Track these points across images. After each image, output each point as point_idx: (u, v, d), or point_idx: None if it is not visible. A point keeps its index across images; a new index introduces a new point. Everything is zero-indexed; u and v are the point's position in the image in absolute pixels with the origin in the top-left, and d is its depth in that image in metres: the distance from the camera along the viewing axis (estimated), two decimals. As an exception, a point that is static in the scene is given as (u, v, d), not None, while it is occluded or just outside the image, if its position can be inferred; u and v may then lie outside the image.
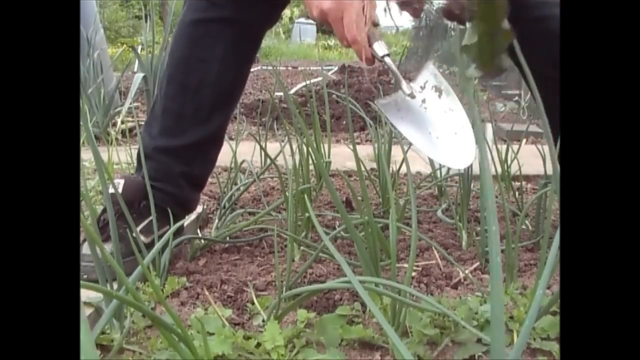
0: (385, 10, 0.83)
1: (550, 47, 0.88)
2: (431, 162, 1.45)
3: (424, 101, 0.87)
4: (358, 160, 1.07)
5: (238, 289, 0.96)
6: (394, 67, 0.86)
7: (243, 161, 1.50)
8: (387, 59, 0.85)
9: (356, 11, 0.82)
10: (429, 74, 0.88)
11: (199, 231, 1.28)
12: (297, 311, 0.84)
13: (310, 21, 17.32)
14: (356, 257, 0.99)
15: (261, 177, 1.62)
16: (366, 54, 0.84)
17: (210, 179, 1.43)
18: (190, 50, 1.10)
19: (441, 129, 0.85)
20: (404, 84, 0.87)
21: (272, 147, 1.69)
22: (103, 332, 0.78)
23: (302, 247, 1.12)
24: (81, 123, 0.81)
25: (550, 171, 1.18)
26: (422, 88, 0.88)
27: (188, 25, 1.11)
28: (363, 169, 1.28)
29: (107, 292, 0.60)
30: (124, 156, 1.72)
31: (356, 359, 0.76)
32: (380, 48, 0.85)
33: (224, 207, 1.29)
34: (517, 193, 1.35)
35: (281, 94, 3.02)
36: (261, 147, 1.47)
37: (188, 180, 1.13)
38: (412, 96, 0.87)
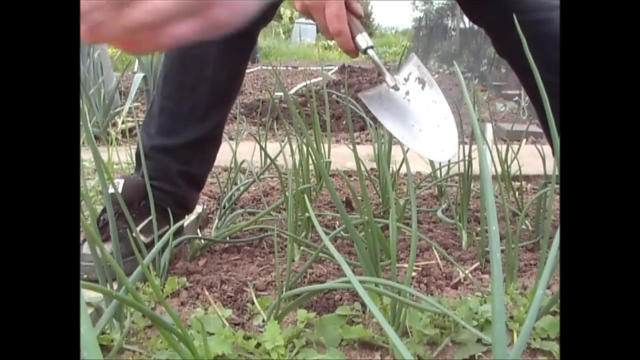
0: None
1: (546, 50, 0.88)
2: (431, 162, 1.45)
3: (407, 93, 0.85)
4: (358, 160, 1.07)
5: (238, 289, 0.96)
6: (377, 60, 0.85)
7: (243, 161, 1.50)
8: (370, 51, 0.84)
9: (338, 3, 0.82)
10: (413, 66, 0.87)
11: (199, 231, 1.28)
12: (297, 311, 0.84)
13: (310, 21, 17.29)
14: (356, 257, 0.99)
15: (261, 177, 1.62)
16: (349, 46, 0.84)
17: (210, 179, 1.43)
18: (185, 49, 1.10)
19: (424, 121, 0.83)
20: (387, 76, 0.86)
21: (272, 147, 1.69)
22: (103, 332, 0.78)
23: (302, 247, 1.12)
24: (81, 123, 0.81)
25: (550, 171, 1.18)
26: (406, 80, 0.86)
27: None
28: (363, 169, 1.28)
29: (107, 292, 0.60)
30: (124, 156, 1.72)
31: (356, 359, 0.76)
32: (363, 40, 0.84)
33: (224, 207, 1.29)
34: (517, 193, 1.35)
35: (281, 94, 3.02)
36: (261, 147, 1.47)
37: (186, 179, 1.13)
38: (395, 88, 0.86)
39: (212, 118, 1.13)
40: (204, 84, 1.10)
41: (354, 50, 0.85)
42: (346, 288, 0.89)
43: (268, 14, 1.16)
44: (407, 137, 0.82)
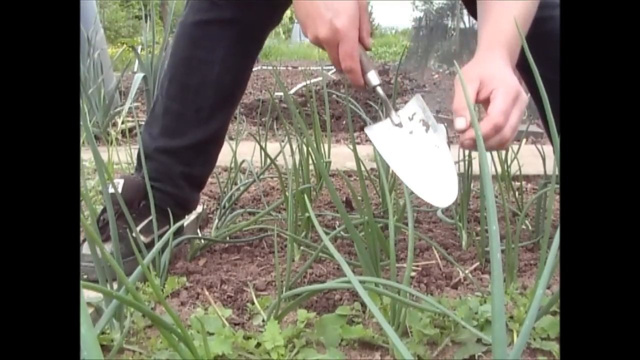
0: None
1: (548, 48, 0.88)
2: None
3: (411, 132, 0.88)
4: (358, 160, 1.07)
5: (238, 289, 0.96)
6: (384, 97, 0.88)
7: (243, 161, 1.50)
8: (379, 89, 0.87)
9: (352, 42, 0.83)
10: (418, 107, 0.89)
11: (199, 231, 1.28)
12: (297, 311, 0.84)
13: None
14: (356, 257, 0.99)
15: (261, 177, 1.62)
16: (359, 83, 0.87)
17: (210, 179, 1.43)
18: (192, 51, 1.10)
19: (426, 163, 0.85)
20: (393, 113, 0.89)
21: (272, 147, 1.69)
22: (103, 332, 0.78)
23: (302, 247, 1.12)
24: (81, 123, 0.81)
25: (550, 171, 1.18)
26: (410, 119, 0.89)
27: (190, 26, 1.11)
28: (363, 169, 1.28)
29: (107, 292, 0.60)
30: (124, 156, 1.72)
31: (356, 359, 0.76)
32: (373, 78, 0.87)
33: (224, 207, 1.29)
34: (517, 193, 1.35)
35: (281, 94, 3.03)
36: (261, 147, 1.47)
37: (188, 180, 1.13)
38: (400, 125, 0.88)
39: (216, 120, 1.13)
40: (210, 87, 1.09)
41: (363, 86, 0.88)
42: (346, 288, 0.89)
43: (276, 17, 1.16)
44: (410, 178, 0.84)
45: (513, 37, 0.85)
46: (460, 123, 0.78)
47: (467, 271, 1.02)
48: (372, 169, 1.65)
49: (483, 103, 0.81)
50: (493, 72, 0.80)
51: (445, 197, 0.82)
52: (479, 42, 0.87)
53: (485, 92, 0.79)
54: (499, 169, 1.31)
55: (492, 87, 0.78)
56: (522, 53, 0.70)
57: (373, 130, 0.89)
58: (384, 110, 0.91)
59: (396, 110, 0.90)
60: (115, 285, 0.82)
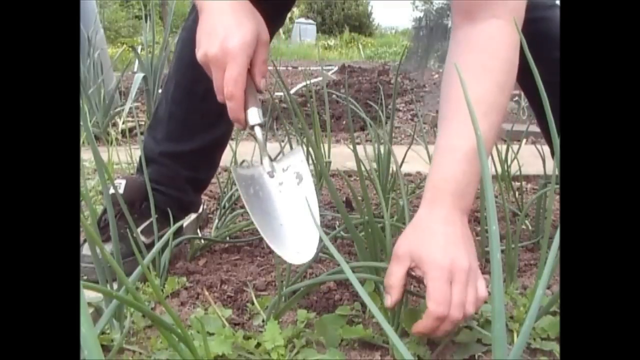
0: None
1: (542, 49, 0.88)
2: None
3: (281, 184, 0.82)
4: (358, 160, 1.07)
5: (238, 289, 0.96)
6: (260, 140, 0.81)
7: (243, 161, 1.50)
8: (257, 129, 0.80)
9: (241, 67, 0.77)
10: (295, 159, 0.84)
11: (199, 231, 1.28)
12: (297, 311, 0.84)
13: (310, 21, 17.34)
14: (356, 257, 0.99)
15: (261, 177, 1.61)
16: (238, 115, 0.79)
17: (210, 179, 1.43)
18: None
19: (289, 217, 0.78)
20: (266, 160, 0.83)
21: (272, 147, 1.69)
22: (103, 332, 0.78)
23: (302, 247, 1.12)
24: (81, 123, 0.81)
25: (550, 171, 1.18)
26: (284, 170, 0.83)
27: None
28: (363, 169, 1.28)
29: (107, 292, 0.60)
30: (124, 156, 1.72)
31: (356, 359, 0.76)
32: (253, 115, 0.79)
33: (224, 207, 1.29)
34: (517, 193, 1.35)
35: (281, 94, 3.03)
36: (261, 147, 1.46)
37: (193, 184, 1.14)
38: (270, 175, 0.83)
39: (222, 124, 1.13)
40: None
41: (242, 122, 0.80)
42: (346, 288, 0.89)
43: (280, 20, 1.16)
44: (266, 229, 0.76)
45: (461, 179, 0.74)
46: (387, 301, 0.73)
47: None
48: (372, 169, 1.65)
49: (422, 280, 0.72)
50: (421, 251, 0.71)
51: (300, 256, 0.74)
52: (425, 187, 0.77)
53: (420, 272, 0.72)
54: (499, 169, 1.31)
55: (424, 269, 0.70)
56: (522, 54, 0.69)
57: (241, 173, 0.83)
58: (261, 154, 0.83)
59: (281, 154, 0.83)
60: (115, 286, 0.82)
